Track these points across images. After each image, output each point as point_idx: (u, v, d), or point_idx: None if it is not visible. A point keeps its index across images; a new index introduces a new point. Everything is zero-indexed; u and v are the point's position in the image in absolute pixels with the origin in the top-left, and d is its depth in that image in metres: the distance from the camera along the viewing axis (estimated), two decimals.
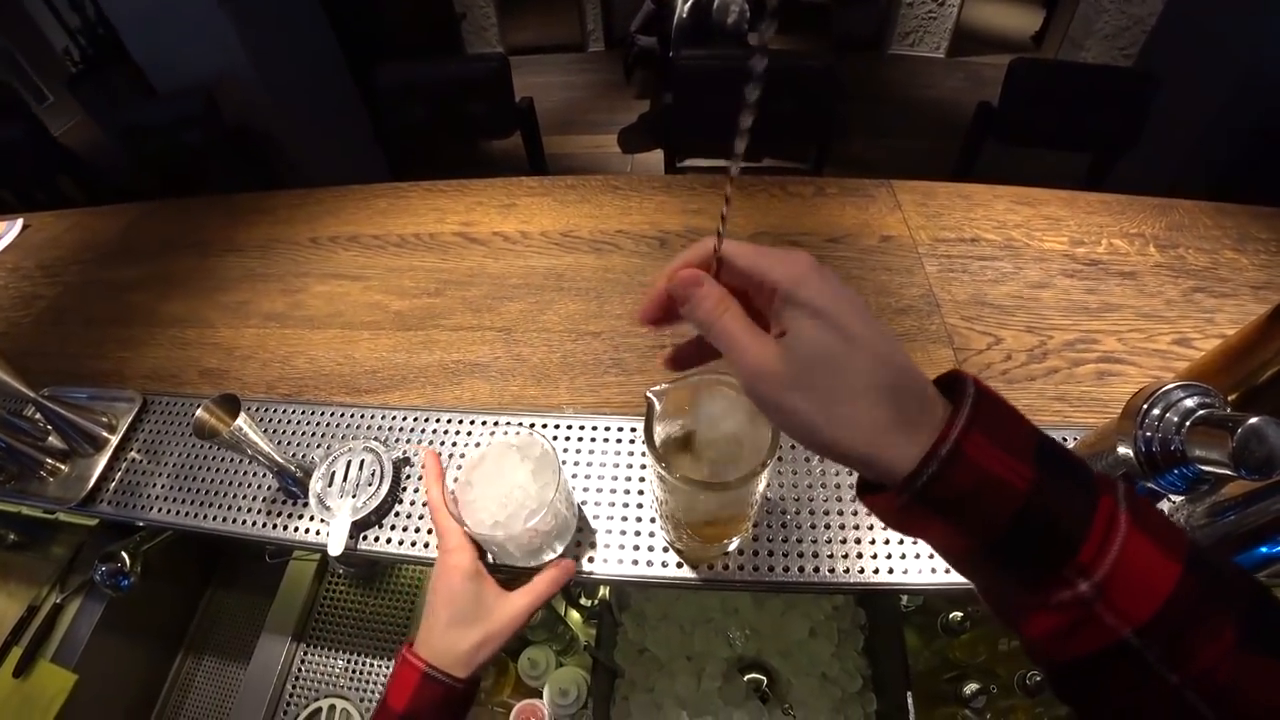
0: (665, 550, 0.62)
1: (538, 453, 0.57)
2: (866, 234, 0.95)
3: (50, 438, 0.79)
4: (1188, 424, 0.44)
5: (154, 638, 1.02)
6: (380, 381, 0.82)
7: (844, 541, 0.61)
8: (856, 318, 0.28)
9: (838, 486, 0.64)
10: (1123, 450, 0.48)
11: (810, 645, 0.85)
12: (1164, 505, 0.61)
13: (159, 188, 1.84)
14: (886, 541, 0.61)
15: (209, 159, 1.84)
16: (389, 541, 0.66)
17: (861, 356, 0.27)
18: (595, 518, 0.65)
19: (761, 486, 0.47)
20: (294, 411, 0.78)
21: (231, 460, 0.75)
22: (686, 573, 0.61)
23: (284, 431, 0.77)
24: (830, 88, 1.50)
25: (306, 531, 0.69)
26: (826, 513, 0.63)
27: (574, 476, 0.68)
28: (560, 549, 0.62)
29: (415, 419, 0.75)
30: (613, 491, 0.67)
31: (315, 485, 0.68)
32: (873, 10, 3.75)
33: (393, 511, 0.68)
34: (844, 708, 0.82)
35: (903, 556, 0.60)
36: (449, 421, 0.75)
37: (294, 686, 0.93)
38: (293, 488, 0.70)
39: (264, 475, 0.73)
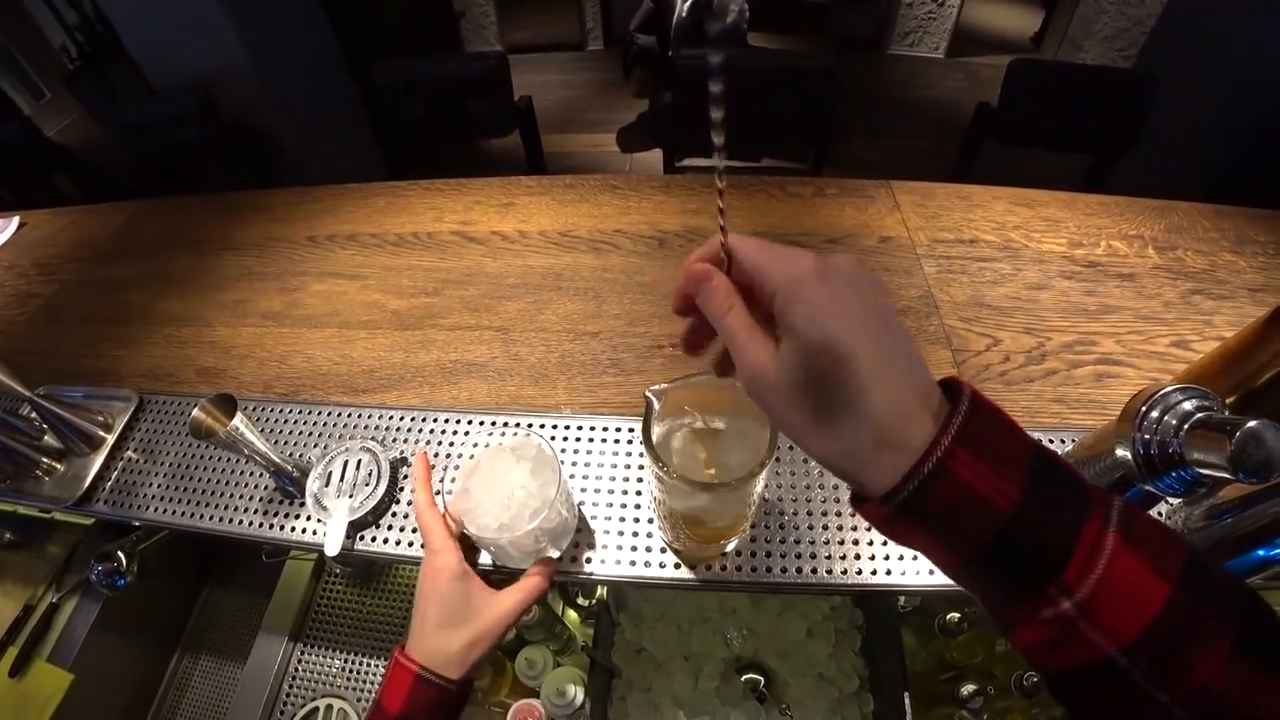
0: (663, 551, 0.62)
1: (533, 452, 0.57)
2: (865, 234, 0.95)
3: (46, 437, 0.79)
4: (1186, 427, 0.44)
5: (150, 637, 1.02)
6: (377, 381, 0.82)
7: (842, 542, 0.61)
8: (856, 326, 0.27)
9: (835, 487, 0.64)
10: (1121, 452, 0.48)
11: (807, 645, 0.85)
12: (1161, 508, 0.61)
13: (156, 185, 1.83)
14: (885, 543, 0.60)
15: (206, 157, 1.83)
16: (386, 542, 0.66)
17: (852, 371, 0.26)
18: (593, 518, 0.65)
19: (759, 487, 0.47)
20: (291, 411, 0.78)
21: (228, 460, 0.75)
22: (684, 573, 0.61)
23: (281, 431, 0.77)
24: (830, 88, 1.50)
25: (303, 531, 0.68)
26: (824, 513, 0.63)
27: (572, 477, 0.68)
28: (560, 550, 0.62)
29: (413, 419, 0.75)
30: (610, 492, 0.67)
31: (312, 485, 0.68)
32: (872, 10, 3.74)
33: (390, 512, 0.68)
34: (841, 708, 0.82)
35: (900, 558, 0.60)
36: (446, 421, 0.75)
37: (291, 686, 0.93)
38: (290, 488, 0.70)
39: (261, 475, 0.73)
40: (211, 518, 0.71)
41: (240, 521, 0.70)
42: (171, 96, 1.88)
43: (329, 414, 0.77)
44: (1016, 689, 0.81)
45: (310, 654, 0.95)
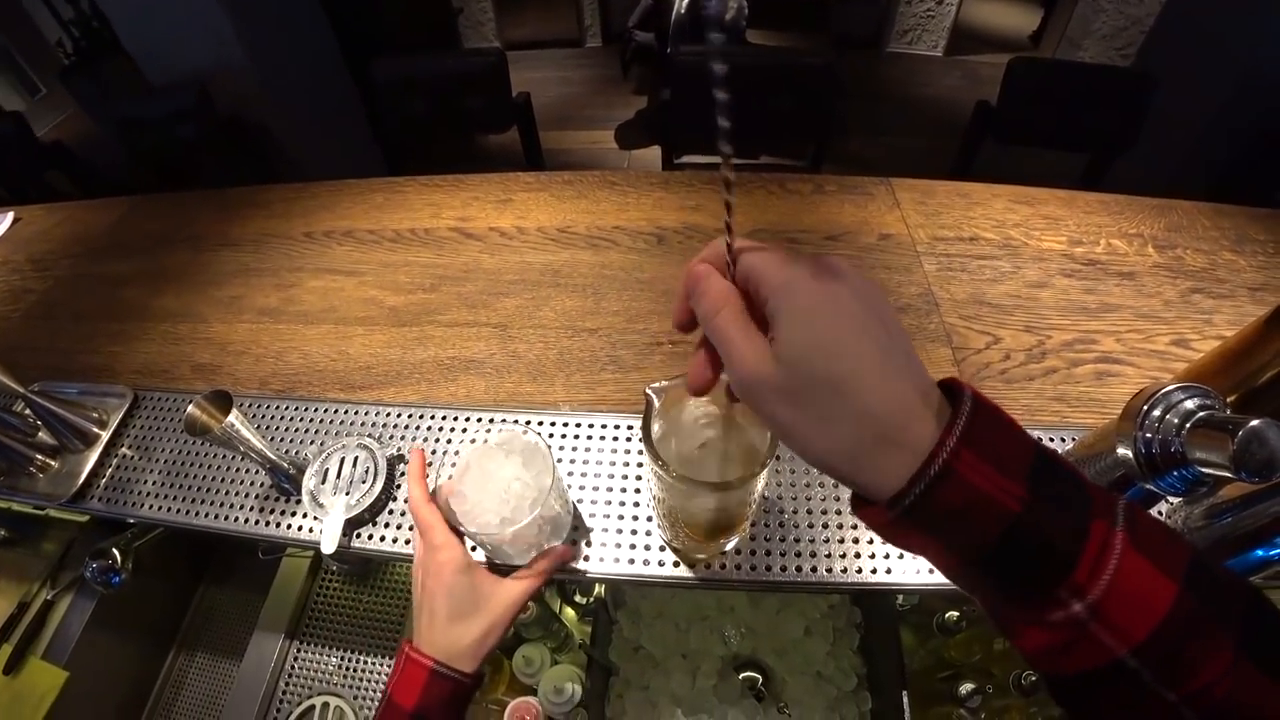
0: (662, 549, 0.62)
1: (521, 445, 0.57)
2: (865, 232, 0.95)
3: (40, 433, 0.78)
4: (1188, 426, 0.44)
5: (146, 634, 1.02)
6: (374, 378, 0.81)
7: (841, 541, 0.61)
8: (853, 327, 0.26)
9: (835, 486, 0.64)
10: (1122, 451, 0.48)
11: (805, 644, 0.85)
12: (1161, 507, 0.60)
13: (153, 182, 1.82)
14: (884, 541, 0.60)
15: (203, 153, 1.83)
16: (383, 539, 0.66)
17: (850, 376, 0.26)
18: (591, 516, 0.65)
19: (760, 486, 0.47)
20: (287, 408, 0.78)
21: (224, 457, 0.74)
22: (683, 572, 0.61)
23: (277, 428, 0.76)
24: (829, 85, 1.50)
25: (300, 529, 0.68)
26: (824, 512, 0.62)
27: (570, 474, 0.68)
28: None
29: (410, 416, 0.75)
30: (609, 490, 0.66)
31: (308, 482, 0.67)
32: (871, 8, 3.74)
33: (386, 509, 0.68)
34: (839, 706, 0.82)
35: (900, 557, 0.59)
36: (444, 418, 0.74)
37: (287, 684, 0.92)
38: (286, 485, 0.69)
39: (257, 472, 0.72)
40: (207, 515, 0.70)
41: (236, 519, 0.69)
42: (168, 93, 1.87)
43: (325, 411, 0.77)
44: (1014, 688, 0.81)
45: (306, 652, 0.95)
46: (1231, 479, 0.42)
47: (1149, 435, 0.46)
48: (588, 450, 0.70)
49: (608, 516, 0.65)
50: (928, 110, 3.32)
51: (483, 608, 0.54)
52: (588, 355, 0.81)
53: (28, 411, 0.77)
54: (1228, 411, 0.45)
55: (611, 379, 0.78)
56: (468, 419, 0.74)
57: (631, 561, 0.62)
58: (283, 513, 0.69)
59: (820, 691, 0.82)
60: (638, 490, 0.66)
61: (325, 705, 0.90)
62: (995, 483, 0.24)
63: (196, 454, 0.75)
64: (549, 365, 0.80)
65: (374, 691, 0.92)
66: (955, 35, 3.67)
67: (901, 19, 3.69)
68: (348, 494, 0.66)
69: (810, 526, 0.62)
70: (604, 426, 0.71)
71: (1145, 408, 0.47)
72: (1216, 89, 1.85)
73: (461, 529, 0.53)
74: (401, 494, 0.69)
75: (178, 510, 0.71)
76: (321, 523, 0.65)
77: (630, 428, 0.71)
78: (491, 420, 0.73)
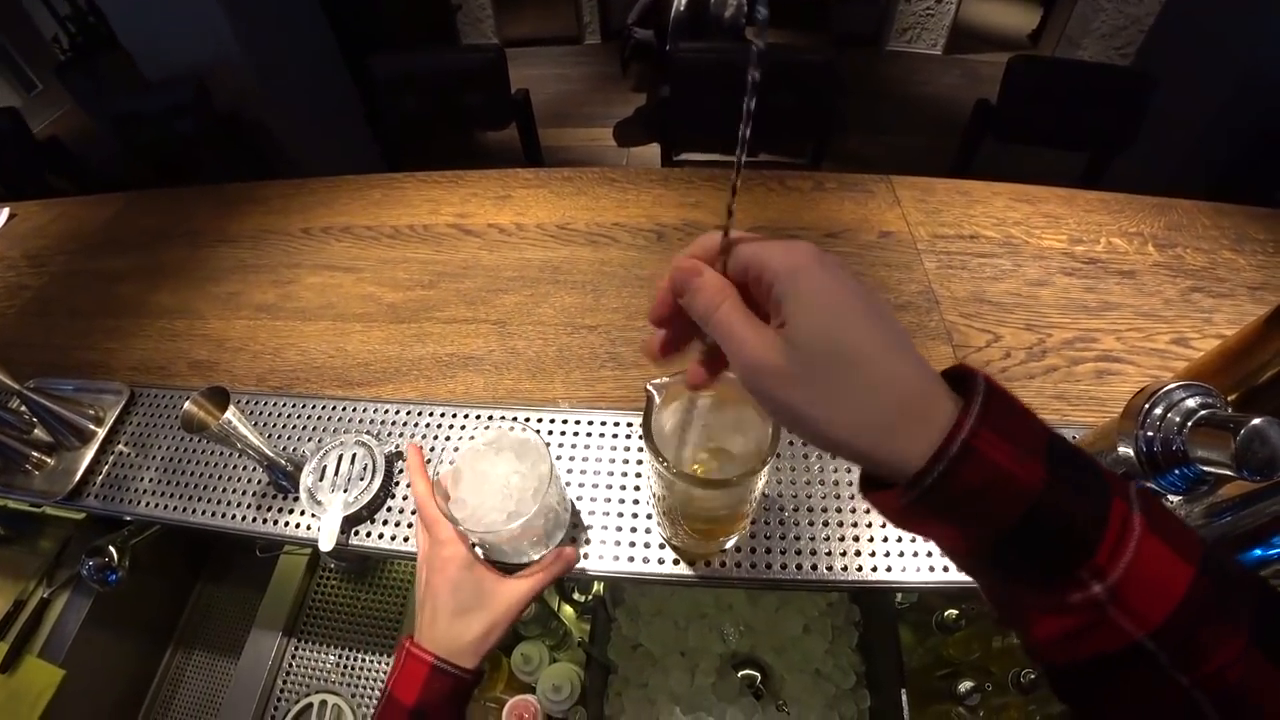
0: (662, 546, 0.62)
1: (511, 441, 0.57)
2: (865, 229, 0.95)
3: (36, 430, 0.78)
4: (1189, 424, 0.44)
5: (143, 632, 1.01)
6: (373, 374, 0.81)
7: (841, 539, 0.60)
8: (860, 308, 0.27)
9: (835, 484, 0.64)
10: (1124, 450, 0.48)
11: (804, 642, 0.85)
12: None
13: (150, 178, 1.81)
14: (885, 540, 0.60)
15: (201, 149, 1.82)
16: (381, 537, 0.66)
17: (865, 349, 0.26)
18: (591, 513, 0.65)
19: (761, 484, 0.46)
20: (285, 404, 0.77)
21: (221, 454, 0.74)
22: (683, 569, 0.61)
23: (274, 425, 0.76)
24: (830, 83, 1.49)
25: (297, 526, 0.68)
26: (824, 510, 0.62)
27: (569, 472, 0.68)
28: (550, 547, 0.61)
29: (408, 413, 0.75)
30: (609, 487, 0.66)
31: (306, 479, 0.67)
32: (871, 6, 3.74)
33: (385, 506, 0.68)
34: (838, 704, 0.82)
35: (900, 555, 0.59)
36: (442, 415, 0.74)
37: (285, 682, 0.92)
38: (283, 482, 0.69)
39: (254, 469, 0.72)
40: (204, 512, 0.70)
41: (233, 516, 0.69)
42: (165, 88, 1.86)
43: (323, 408, 0.76)
44: (1013, 685, 0.81)
45: (304, 649, 0.95)
46: (1233, 477, 0.42)
47: (1150, 433, 0.46)
48: (587, 448, 0.69)
49: (607, 514, 0.64)
50: (927, 108, 3.32)
51: (486, 604, 0.54)
52: (587, 352, 0.81)
53: (23, 408, 0.76)
54: (1229, 410, 0.45)
55: (611, 376, 0.78)
56: (466, 416, 0.74)
57: (631, 559, 0.61)
58: (280, 510, 0.69)
59: (819, 689, 0.82)
60: (637, 488, 0.66)
61: (323, 703, 0.90)
62: (1017, 461, 0.24)
63: (193, 451, 0.75)
64: (548, 362, 0.80)
65: (372, 689, 0.91)
66: (955, 34, 3.67)
67: (901, 17, 3.69)
68: (346, 491, 0.66)
69: (810, 524, 0.61)
70: (603, 424, 0.71)
71: (1147, 406, 0.47)
72: (1216, 88, 1.85)
73: (466, 533, 0.53)
74: (400, 491, 0.69)
75: (174, 508, 0.71)
76: (319, 520, 0.65)
77: (630, 425, 0.71)
78: (490, 417, 0.73)
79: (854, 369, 0.26)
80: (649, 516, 0.64)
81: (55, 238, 1.15)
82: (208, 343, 0.89)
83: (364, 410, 0.75)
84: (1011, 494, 0.24)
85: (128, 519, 0.76)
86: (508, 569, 0.59)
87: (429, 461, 0.68)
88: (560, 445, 0.70)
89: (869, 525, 0.61)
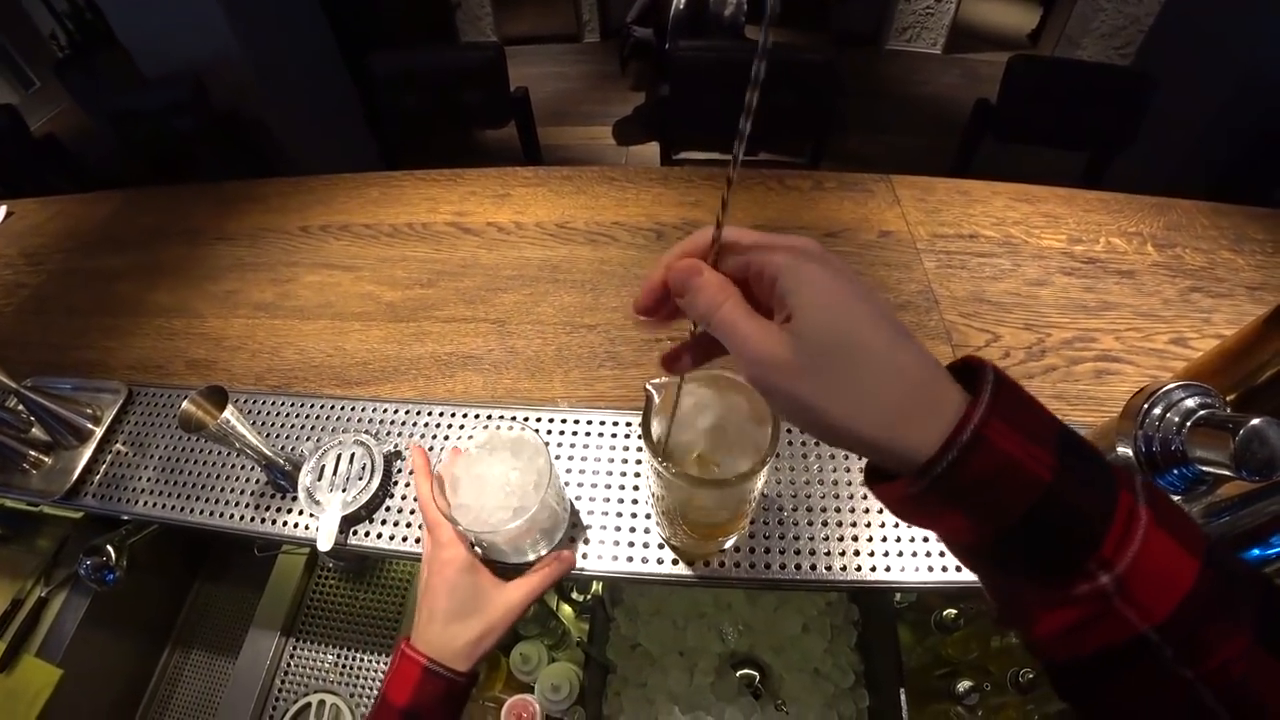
0: (661, 547, 0.62)
1: (502, 440, 0.57)
2: (865, 229, 0.95)
3: (33, 429, 0.77)
4: (1189, 424, 0.44)
5: (141, 631, 1.01)
6: (371, 373, 0.81)
7: (840, 539, 0.60)
8: (864, 303, 0.27)
9: (835, 484, 0.64)
10: (1123, 449, 0.48)
11: (803, 641, 0.85)
12: None
13: (148, 175, 1.81)
14: (884, 539, 0.60)
15: (198, 146, 1.81)
16: (380, 536, 0.66)
17: (872, 342, 0.26)
18: (590, 513, 0.64)
19: (760, 484, 0.46)
20: (283, 404, 0.77)
21: (219, 453, 0.74)
22: (682, 569, 0.60)
23: (273, 424, 0.76)
24: (829, 82, 1.49)
25: (296, 526, 0.68)
26: (824, 509, 0.62)
27: (568, 471, 0.68)
28: (550, 546, 0.61)
29: (407, 412, 0.74)
30: (607, 487, 0.66)
31: (304, 479, 0.67)
32: (871, 5, 3.73)
33: (383, 506, 0.67)
34: (836, 703, 0.82)
35: (899, 554, 0.59)
36: (441, 415, 0.74)
37: (283, 681, 0.92)
38: (281, 481, 0.69)
39: (252, 469, 0.72)
40: (202, 512, 0.70)
41: (231, 516, 0.69)
42: (163, 85, 1.85)
43: (322, 407, 0.76)
44: (1012, 685, 0.81)
45: (303, 649, 0.95)
46: (1231, 477, 0.42)
47: (1150, 433, 0.46)
48: (586, 447, 0.69)
49: (606, 514, 0.64)
50: (927, 108, 3.32)
51: (482, 609, 0.54)
52: (586, 351, 0.81)
53: (20, 407, 0.76)
54: (1227, 410, 0.45)
55: (610, 375, 0.78)
56: (465, 415, 0.74)
57: (630, 559, 0.61)
58: (278, 510, 0.69)
59: (818, 689, 0.82)
60: (636, 488, 0.66)
61: (321, 703, 0.90)
62: (1027, 451, 0.24)
63: (191, 450, 0.75)
64: (547, 361, 0.80)
65: (370, 689, 0.91)
66: (954, 33, 3.67)
67: (901, 16, 3.69)
68: (344, 491, 0.66)
69: (809, 524, 0.61)
70: (602, 423, 0.71)
71: (1146, 406, 0.47)
72: (1216, 88, 1.85)
73: (470, 535, 0.53)
74: (399, 491, 0.68)
75: (172, 507, 0.71)
76: (318, 520, 0.64)
77: (629, 424, 0.71)
78: (489, 416, 0.73)
79: (862, 360, 0.26)
80: (648, 516, 0.64)
81: (53, 236, 1.15)
82: (206, 341, 0.88)
83: (362, 410, 0.75)
84: (1021, 483, 0.24)
85: (125, 518, 0.76)
86: (507, 570, 0.59)
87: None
88: (559, 445, 0.70)
89: (868, 525, 0.61)
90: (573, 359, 0.80)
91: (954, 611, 0.85)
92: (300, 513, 0.68)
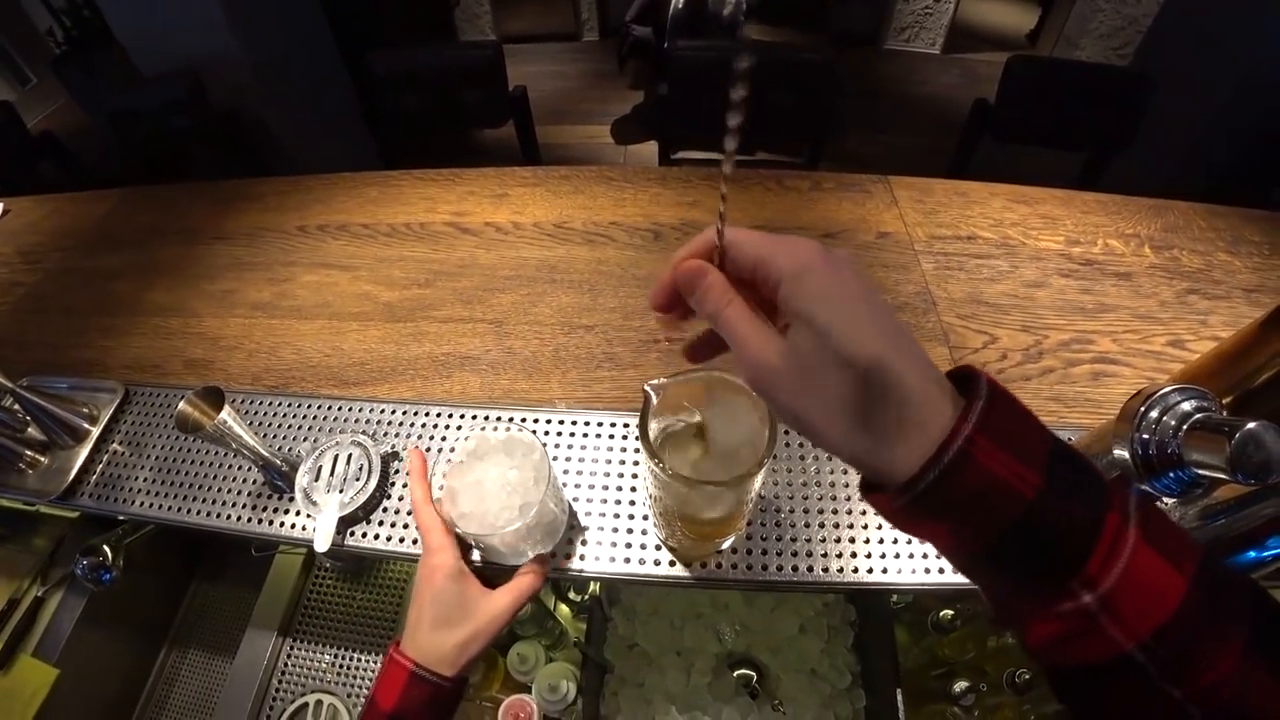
0: (658, 548, 0.62)
1: (492, 445, 0.57)
2: (863, 230, 0.95)
3: (29, 429, 0.77)
4: (1185, 428, 0.44)
5: (137, 632, 1.01)
6: (369, 374, 0.81)
7: (838, 541, 0.60)
8: (865, 312, 0.27)
9: (832, 485, 0.64)
10: (1119, 452, 0.48)
11: (800, 641, 0.86)
12: None
13: (145, 174, 1.80)
14: (881, 541, 0.60)
15: (196, 144, 1.81)
16: (377, 538, 0.65)
17: (865, 356, 0.26)
18: (587, 514, 0.64)
19: (757, 485, 0.46)
20: (280, 404, 0.77)
21: (216, 453, 0.74)
22: (679, 571, 0.60)
23: (270, 424, 0.75)
24: (828, 82, 1.49)
25: (293, 527, 0.67)
26: (821, 511, 0.62)
27: (566, 473, 0.68)
28: (550, 547, 0.61)
29: (404, 412, 0.74)
30: (605, 488, 0.66)
31: (301, 480, 0.67)
32: (870, 6, 3.73)
33: (380, 507, 0.67)
34: (833, 704, 0.82)
35: (896, 556, 0.59)
36: (439, 415, 0.74)
37: (280, 681, 0.92)
38: (279, 482, 0.69)
39: (249, 469, 0.72)
40: (199, 512, 0.70)
41: (228, 516, 0.69)
42: (161, 83, 1.84)
43: (319, 407, 0.76)
44: (1008, 686, 0.81)
45: (300, 649, 0.94)
46: (1227, 481, 0.42)
47: (1146, 436, 0.46)
48: (583, 448, 0.69)
49: (603, 515, 0.64)
50: (925, 108, 3.32)
51: (467, 617, 0.54)
52: (584, 352, 0.81)
53: (16, 407, 0.76)
54: (1224, 413, 0.45)
55: (608, 376, 0.78)
56: (462, 416, 0.73)
57: (628, 560, 0.61)
58: (275, 510, 0.69)
59: (814, 689, 0.82)
60: (634, 489, 0.66)
61: (319, 703, 0.90)
62: (1012, 469, 0.24)
63: (188, 450, 0.75)
64: (545, 362, 0.80)
65: (367, 689, 0.91)
66: (953, 33, 3.67)
67: (899, 16, 3.69)
68: (341, 491, 0.66)
69: (806, 526, 0.61)
70: (600, 424, 0.71)
71: (1142, 409, 0.47)
72: (1214, 89, 1.85)
73: (471, 539, 0.53)
74: (396, 492, 0.68)
75: (169, 507, 0.70)
76: (314, 521, 0.64)
77: (626, 426, 0.71)
78: (486, 417, 0.73)
79: (851, 378, 0.26)
80: (645, 518, 0.64)
81: (49, 234, 1.14)
82: (203, 341, 0.88)
83: (360, 410, 0.75)
84: (1007, 500, 0.24)
85: (122, 518, 0.76)
86: (504, 574, 0.59)
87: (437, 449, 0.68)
88: (557, 446, 0.70)
89: (865, 527, 0.61)
90: (570, 360, 0.80)
91: (950, 612, 0.86)
92: (297, 513, 0.68)
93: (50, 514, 0.93)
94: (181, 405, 0.59)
